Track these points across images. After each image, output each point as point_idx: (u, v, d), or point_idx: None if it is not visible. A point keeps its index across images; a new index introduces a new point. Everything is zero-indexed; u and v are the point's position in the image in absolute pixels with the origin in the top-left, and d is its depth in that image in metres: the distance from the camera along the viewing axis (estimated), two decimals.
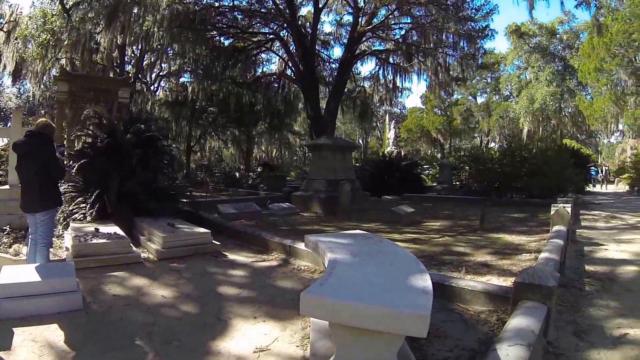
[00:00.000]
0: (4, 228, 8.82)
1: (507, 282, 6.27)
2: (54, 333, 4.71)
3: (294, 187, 20.43)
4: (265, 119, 35.20)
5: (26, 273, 5.56)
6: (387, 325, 3.04)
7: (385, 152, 32.90)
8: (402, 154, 31.94)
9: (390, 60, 29.74)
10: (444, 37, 26.79)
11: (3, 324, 4.87)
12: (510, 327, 3.99)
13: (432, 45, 26.82)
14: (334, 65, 31.50)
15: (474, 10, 26.25)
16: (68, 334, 4.69)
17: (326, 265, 4.51)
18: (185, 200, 13.88)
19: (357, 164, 26.18)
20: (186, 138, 35.93)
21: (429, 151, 63.08)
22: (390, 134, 40.88)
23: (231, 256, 8.70)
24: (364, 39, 27.91)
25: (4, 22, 29.27)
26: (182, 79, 36.34)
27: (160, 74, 37.25)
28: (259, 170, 30.23)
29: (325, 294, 3.33)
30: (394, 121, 48.40)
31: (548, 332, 4.53)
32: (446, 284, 5.85)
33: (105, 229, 8.73)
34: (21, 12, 29.91)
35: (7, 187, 10.15)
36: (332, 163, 16.94)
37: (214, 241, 9.11)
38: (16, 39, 29.18)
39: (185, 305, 5.78)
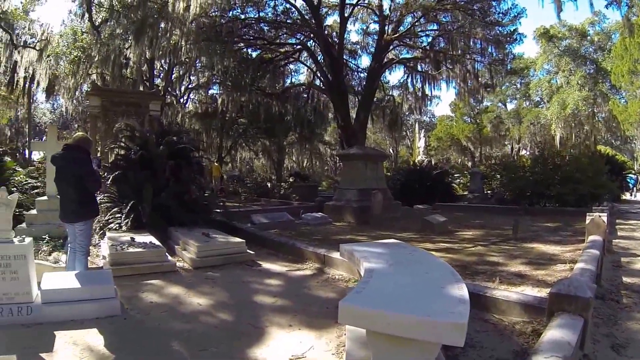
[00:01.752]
0: (43, 237, 9.03)
1: (542, 292, 6.14)
2: (94, 337, 4.86)
3: (326, 197, 20.42)
4: (295, 129, 35.38)
5: (66, 280, 5.75)
6: (424, 334, 3.06)
7: (416, 161, 32.70)
8: (433, 162, 31.71)
9: (419, 68, 29.59)
10: (471, 43, 26.50)
11: (45, 328, 5.05)
12: (546, 338, 3.89)
13: (459, 51, 26.51)
14: (362, 75, 31.58)
15: (501, 15, 25.86)
16: (107, 339, 4.83)
17: (362, 274, 4.57)
18: (218, 210, 13.99)
19: (388, 174, 26.05)
20: (217, 149, 36.26)
21: (459, 160, 62.43)
22: (420, 143, 40.79)
23: (265, 265, 8.76)
24: (391, 47, 27.81)
25: (36, 41, 30.01)
26: (211, 91, 36.97)
27: (189, 86, 37.95)
28: (290, 180, 30.31)
29: (363, 302, 3.38)
30: (423, 130, 48.14)
31: (585, 345, 4.41)
32: (480, 293, 5.78)
33: (140, 238, 8.91)
34: (52, 31, 30.79)
35: (45, 198, 10.40)
36: (363, 173, 16.88)
37: (248, 250, 9.21)
38: (48, 56, 30.01)
39: (221, 313, 5.85)
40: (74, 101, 35.24)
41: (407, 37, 27.65)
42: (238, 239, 9.52)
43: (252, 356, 4.51)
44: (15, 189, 11.66)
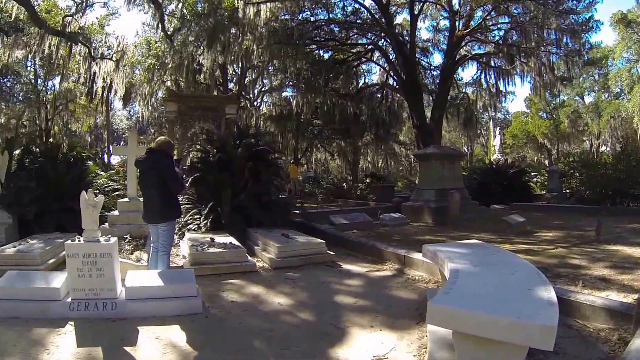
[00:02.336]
0: (125, 236, 9.36)
1: (628, 298, 5.90)
2: (176, 333, 5.03)
3: (403, 197, 20.25)
4: (370, 130, 35.26)
5: (149, 278, 6.00)
6: (512, 336, 3.07)
7: (492, 159, 32.02)
8: (509, 161, 30.87)
9: (492, 63, 28.53)
10: (545, 34, 25.37)
11: (129, 323, 5.29)
12: (634, 347, 3.77)
13: (533, 44, 25.28)
14: (435, 73, 31.04)
15: (574, 2, 24.38)
16: (189, 335, 4.98)
17: (447, 275, 4.58)
18: (296, 211, 14.11)
19: (464, 173, 25.52)
20: (293, 151, 36.70)
21: (536, 157, 60.57)
22: (496, 141, 39.76)
23: (345, 266, 8.77)
24: (463, 43, 26.96)
25: (112, 53, 31.18)
26: (284, 94, 37.37)
27: (263, 89, 38.49)
28: (367, 181, 30.25)
29: (451, 303, 3.41)
30: (498, 127, 46.98)
31: None
32: (563, 297, 5.51)
33: (220, 239, 9.17)
34: (127, 43, 31.95)
35: (126, 199, 10.77)
36: (440, 172, 16.66)
37: (328, 251, 9.26)
38: (124, 66, 31.04)
39: (302, 313, 5.90)
40: (150, 107, 36.34)
41: (478, 32, 26.82)
42: (318, 240, 9.60)
43: (334, 356, 4.53)
44: (97, 191, 12.05)
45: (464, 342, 3.34)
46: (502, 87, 29.95)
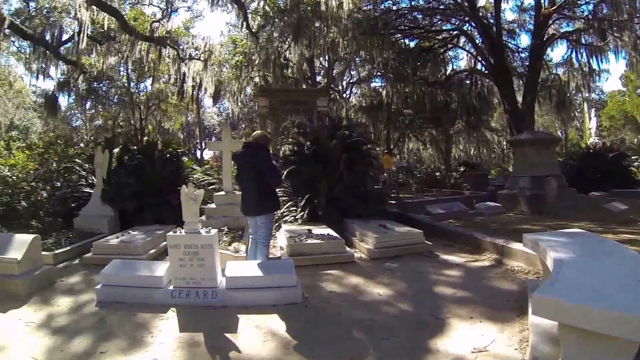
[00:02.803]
0: (222, 228, 9.58)
1: None
2: (275, 322, 5.17)
3: (498, 186, 19.90)
4: (461, 117, 34.71)
5: (249, 268, 6.19)
6: (621, 330, 2.94)
7: (588, 143, 30.75)
8: (607, 144, 29.54)
9: (582, 40, 27.00)
10: (637, 4, 23.61)
11: (229, 311, 5.55)
12: None
13: (625, 16, 23.48)
14: (523, 55, 30.23)
15: None
16: (289, 324, 5.10)
17: (549, 265, 4.48)
18: (391, 201, 14.09)
19: (560, 159, 24.65)
20: (385, 141, 36.68)
21: (636, 139, 57.38)
22: (592, 124, 38.29)
23: (443, 256, 8.66)
24: (550, 21, 25.57)
25: (199, 53, 32.17)
26: (373, 84, 37.48)
27: (351, 81, 38.69)
28: (461, 169, 29.85)
29: (557, 294, 3.31)
30: (593, 109, 44.99)
31: None
32: None
33: (318, 230, 9.31)
34: (213, 43, 33.08)
35: (222, 193, 11.02)
36: (535, 159, 16.09)
37: (426, 241, 9.17)
38: (212, 65, 31.92)
39: (401, 304, 5.88)
40: (239, 103, 37.24)
41: (565, 8, 25.47)
42: (416, 230, 9.51)
43: (433, 347, 4.51)
44: (194, 185, 12.42)
45: (570, 335, 3.25)
46: (594, 66, 28.49)
